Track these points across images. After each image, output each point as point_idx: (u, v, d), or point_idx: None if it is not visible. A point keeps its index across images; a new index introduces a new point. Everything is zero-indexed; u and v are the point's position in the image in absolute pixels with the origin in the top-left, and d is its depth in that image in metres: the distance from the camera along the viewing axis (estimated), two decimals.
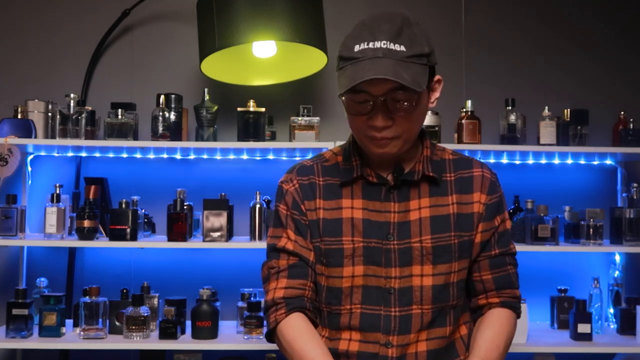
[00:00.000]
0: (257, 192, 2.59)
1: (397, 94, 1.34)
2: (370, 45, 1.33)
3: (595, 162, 2.90)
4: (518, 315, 1.54)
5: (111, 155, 2.80)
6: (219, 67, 2.54)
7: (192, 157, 2.83)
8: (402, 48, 1.33)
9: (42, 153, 2.78)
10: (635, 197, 2.64)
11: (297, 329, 1.42)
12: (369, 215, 1.44)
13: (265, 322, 2.19)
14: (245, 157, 2.80)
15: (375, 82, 1.32)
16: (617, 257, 2.81)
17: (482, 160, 2.77)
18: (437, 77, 1.44)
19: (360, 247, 1.43)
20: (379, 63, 1.31)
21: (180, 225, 2.51)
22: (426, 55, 1.36)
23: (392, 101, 1.35)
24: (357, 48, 1.34)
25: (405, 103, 1.35)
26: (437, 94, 1.45)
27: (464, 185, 1.49)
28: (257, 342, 2.48)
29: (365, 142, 1.43)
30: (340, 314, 1.44)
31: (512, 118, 2.68)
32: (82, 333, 2.46)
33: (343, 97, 1.40)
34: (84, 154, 2.80)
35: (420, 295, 1.42)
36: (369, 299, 1.43)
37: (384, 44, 1.32)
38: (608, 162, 2.89)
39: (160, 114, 2.56)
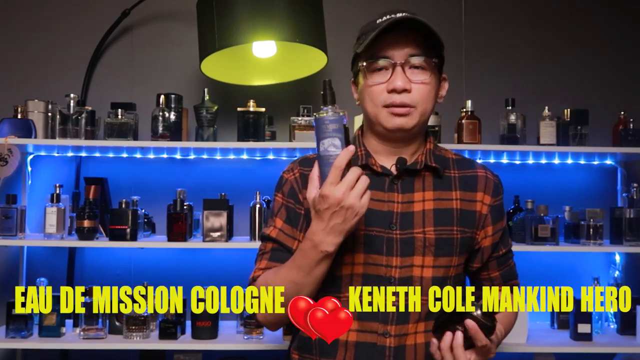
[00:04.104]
0: (257, 192, 2.59)
1: (415, 60, 1.41)
2: (393, 16, 1.39)
3: (595, 162, 2.90)
4: None
5: (111, 155, 2.80)
6: (219, 67, 2.54)
7: (192, 157, 2.82)
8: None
9: (42, 153, 2.78)
10: (635, 197, 2.64)
11: (269, 272, 1.45)
12: (372, 204, 1.43)
13: None
14: (245, 157, 2.80)
15: (397, 44, 1.39)
16: (617, 257, 2.81)
17: (482, 160, 2.82)
18: (444, 74, 1.50)
19: (361, 235, 1.43)
20: (405, 16, 1.39)
21: (180, 225, 2.51)
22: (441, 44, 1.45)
23: (410, 67, 1.41)
24: (379, 20, 1.41)
25: (423, 69, 1.42)
26: (443, 92, 1.52)
27: (467, 183, 1.51)
28: (257, 342, 2.48)
29: (382, 115, 1.44)
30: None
31: (512, 118, 2.67)
32: (82, 333, 2.46)
33: (359, 72, 1.45)
34: (83, 154, 2.80)
35: (420, 286, 1.43)
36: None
37: (406, 14, 1.39)
38: (608, 162, 2.89)
39: (160, 114, 2.56)
